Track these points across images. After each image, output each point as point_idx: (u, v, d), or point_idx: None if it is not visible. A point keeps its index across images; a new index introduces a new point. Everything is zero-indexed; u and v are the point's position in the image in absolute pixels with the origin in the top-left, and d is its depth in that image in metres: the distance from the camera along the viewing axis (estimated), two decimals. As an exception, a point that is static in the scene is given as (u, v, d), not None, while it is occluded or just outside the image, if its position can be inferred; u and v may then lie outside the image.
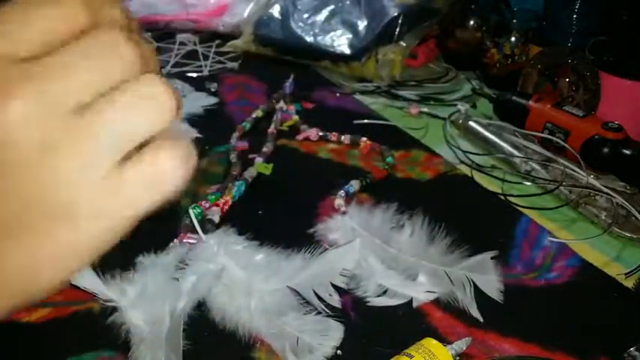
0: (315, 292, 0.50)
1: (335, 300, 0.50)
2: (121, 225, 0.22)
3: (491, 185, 0.70)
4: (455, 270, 0.52)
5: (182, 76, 0.96)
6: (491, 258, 0.53)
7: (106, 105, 0.21)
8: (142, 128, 0.22)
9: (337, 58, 0.98)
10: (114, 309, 0.48)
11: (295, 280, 0.51)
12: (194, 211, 0.59)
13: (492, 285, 0.52)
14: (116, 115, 0.21)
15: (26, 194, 0.21)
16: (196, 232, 0.57)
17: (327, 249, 0.54)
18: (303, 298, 0.50)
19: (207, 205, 0.62)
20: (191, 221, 0.58)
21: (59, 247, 0.22)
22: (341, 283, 0.51)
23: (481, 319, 0.50)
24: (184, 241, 0.56)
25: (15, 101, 0.20)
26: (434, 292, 0.52)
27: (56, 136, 0.20)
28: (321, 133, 0.78)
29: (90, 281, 0.48)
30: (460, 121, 0.82)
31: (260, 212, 0.64)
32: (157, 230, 0.59)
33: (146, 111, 0.21)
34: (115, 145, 0.21)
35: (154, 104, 0.22)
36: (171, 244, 0.56)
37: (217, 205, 0.62)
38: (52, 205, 0.21)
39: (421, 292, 0.52)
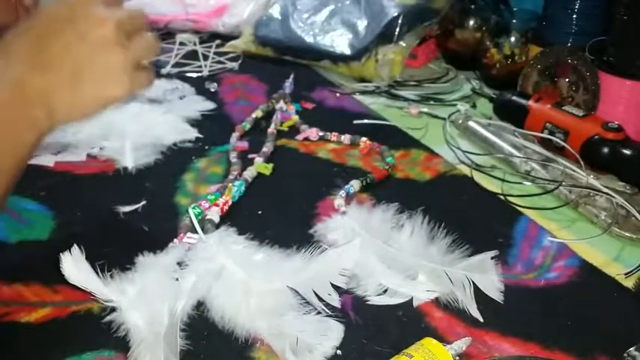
0: (314, 292, 0.50)
1: (334, 299, 0.50)
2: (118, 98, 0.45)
3: (491, 185, 0.70)
4: (455, 270, 0.52)
5: (182, 77, 0.96)
6: (491, 258, 0.53)
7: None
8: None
9: (337, 58, 0.98)
10: (113, 309, 0.48)
11: (295, 280, 0.50)
12: (194, 211, 0.59)
13: (492, 285, 0.52)
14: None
15: (95, 63, 0.43)
16: (196, 232, 0.57)
17: (326, 249, 0.54)
18: (303, 298, 0.50)
19: (207, 205, 0.62)
20: (191, 221, 0.58)
21: (94, 95, 0.44)
22: (341, 282, 0.50)
23: (481, 319, 0.50)
24: (184, 241, 0.57)
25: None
26: (434, 292, 0.52)
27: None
28: (320, 133, 0.78)
29: (89, 281, 0.48)
30: (460, 121, 0.82)
31: (260, 212, 0.64)
32: (157, 230, 0.60)
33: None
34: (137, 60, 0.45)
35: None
36: (171, 244, 0.56)
37: (217, 205, 0.62)
38: (98, 72, 0.43)
39: (421, 291, 0.52)
